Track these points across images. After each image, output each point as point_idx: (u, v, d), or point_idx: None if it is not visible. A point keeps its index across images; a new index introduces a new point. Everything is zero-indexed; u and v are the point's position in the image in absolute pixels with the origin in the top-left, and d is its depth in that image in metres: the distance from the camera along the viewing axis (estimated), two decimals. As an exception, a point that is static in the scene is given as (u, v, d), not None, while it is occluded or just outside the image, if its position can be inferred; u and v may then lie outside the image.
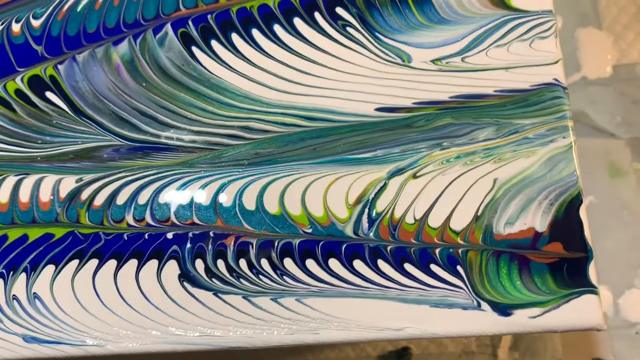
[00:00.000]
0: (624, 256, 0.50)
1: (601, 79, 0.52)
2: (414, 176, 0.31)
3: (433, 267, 0.30)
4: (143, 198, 0.31)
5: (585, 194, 0.46)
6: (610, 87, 0.52)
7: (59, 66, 0.33)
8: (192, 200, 0.31)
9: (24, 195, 0.32)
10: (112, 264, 0.31)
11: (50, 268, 0.31)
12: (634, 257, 0.49)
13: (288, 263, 0.30)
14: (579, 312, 0.29)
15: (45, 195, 0.31)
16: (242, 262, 0.30)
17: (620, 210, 0.50)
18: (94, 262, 0.31)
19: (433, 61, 0.32)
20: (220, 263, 0.30)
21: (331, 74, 0.32)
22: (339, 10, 0.32)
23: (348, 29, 0.32)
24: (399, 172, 0.31)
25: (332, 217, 0.31)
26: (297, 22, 0.32)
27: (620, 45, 0.53)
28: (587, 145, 0.51)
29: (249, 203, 0.31)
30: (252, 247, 0.30)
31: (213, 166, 0.31)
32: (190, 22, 0.33)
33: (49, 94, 0.32)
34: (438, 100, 0.31)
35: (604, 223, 0.50)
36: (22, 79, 0.33)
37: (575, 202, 0.30)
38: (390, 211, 0.30)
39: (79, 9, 0.33)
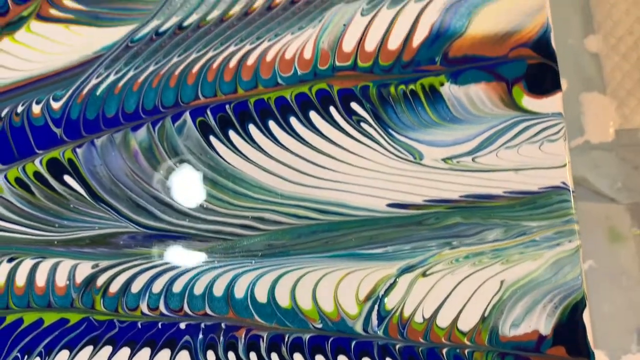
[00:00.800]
0: (621, 321, 0.50)
1: (604, 143, 0.53)
2: (424, 274, 0.31)
3: (440, 367, 0.31)
4: (157, 287, 0.32)
5: (585, 258, 0.47)
6: (612, 152, 0.53)
7: (78, 150, 0.33)
8: (205, 291, 0.32)
9: (41, 279, 0.32)
10: (125, 351, 0.31)
11: (65, 353, 0.31)
12: (631, 322, 0.50)
13: (298, 359, 0.31)
14: (580, 415, 0.30)
15: (61, 280, 0.32)
16: (253, 356, 0.31)
17: (619, 275, 0.51)
18: (107, 349, 0.31)
19: (444, 159, 0.32)
20: (231, 355, 0.31)
21: (344, 168, 0.33)
22: (354, 105, 0.33)
23: (362, 124, 0.33)
24: (409, 269, 0.31)
25: (343, 312, 0.31)
26: (313, 115, 0.33)
27: (624, 111, 0.54)
28: (587, 210, 0.52)
29: (261, 295, 0.32)
30: (263, 340, 0.31)
31: (226, 256, 0.32)
32: (208, 111, 0.33)
33: (67, 178, 0.33)
34: (448, 199, 0.32)
35: (602, 287, 0.51)
36: (40, 162, 0.33)
37: (579, 306, 0.31)
38: (399, 309, 0.31)
39: (98, 93, 0.34)
